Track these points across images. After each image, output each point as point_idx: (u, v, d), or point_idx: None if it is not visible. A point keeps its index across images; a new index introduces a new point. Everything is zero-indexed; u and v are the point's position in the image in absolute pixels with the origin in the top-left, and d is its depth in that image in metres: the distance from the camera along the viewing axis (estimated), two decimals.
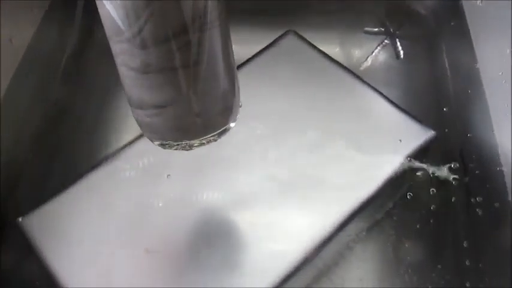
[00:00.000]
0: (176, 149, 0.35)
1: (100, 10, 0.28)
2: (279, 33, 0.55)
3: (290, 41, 0.54)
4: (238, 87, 0.35)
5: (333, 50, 0.58)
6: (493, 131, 0.45)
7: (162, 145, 0.35)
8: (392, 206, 0.49)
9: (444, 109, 0.53)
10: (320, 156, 0.46)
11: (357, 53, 0.60)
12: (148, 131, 0.34)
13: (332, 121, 0.49)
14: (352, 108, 0.50)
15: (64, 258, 0.41)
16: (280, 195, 0.44)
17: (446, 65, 0.55)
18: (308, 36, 0.54)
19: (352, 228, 0.45)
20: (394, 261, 0.46)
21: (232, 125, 0.35)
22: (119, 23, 0.27)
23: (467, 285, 0.43)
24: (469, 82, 0.50)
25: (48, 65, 0.56)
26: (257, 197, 0.44)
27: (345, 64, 0.53)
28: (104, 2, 0.27)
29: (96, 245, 0.42)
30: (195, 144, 0.35)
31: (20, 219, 0.43)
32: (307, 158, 0.46)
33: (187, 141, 0.34)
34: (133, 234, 0.42)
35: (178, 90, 0.30)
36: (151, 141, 0.35)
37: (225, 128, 0.35)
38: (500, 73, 0.45)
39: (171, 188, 0.44)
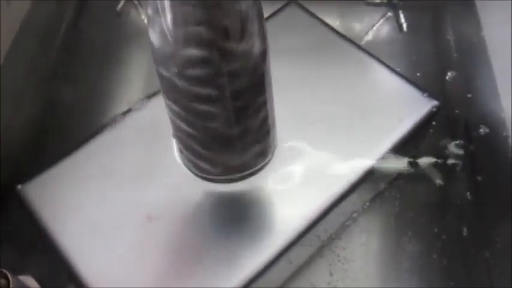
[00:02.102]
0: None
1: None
2: (281, 3, 0.54)
3: (292, 11, 0.53)
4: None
5: (334, 22, 0.57)
6: (499, 97, 0.44)
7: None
8: (396, 176, 0.48)
9: (448, 79, 0.52)
10: (323, 126, 0.46)
11: (358, 25, 0.59)
12: (195, 170, 0.37)
13: (335, 91, 0.48)
14: (355, 78, 0.49)
15: (64, 225, 0.40)
16: (281, 164, 0.44)
17: (451, 35, 0.55)
18: (309, 7, 0.54)
19: (355, 199, 0.45)
20: (398, 232, 0.46)
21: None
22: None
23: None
24: (474, 51, 0.50)
25: (46, 32, 0.55)
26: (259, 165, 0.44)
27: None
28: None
29: (97, 212, 0.41)
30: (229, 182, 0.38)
31: (20, 186, 0.42)
32: (309, 128, 0.46)
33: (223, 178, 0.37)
34: (135, 201, 0.42)
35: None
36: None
37: (264, 163, 0.38)
38: (507, 39, 0.45)
39: (173, 154, 0.44)
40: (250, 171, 0.37)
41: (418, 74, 0.52)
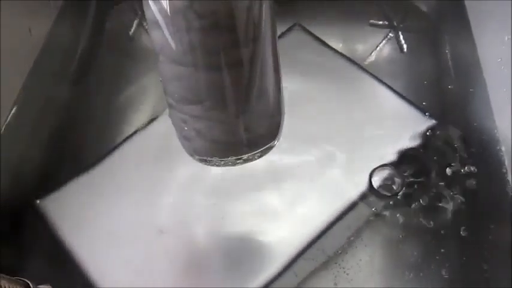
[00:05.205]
0: (217, 166, 0.35)
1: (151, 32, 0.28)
2: (286, 26, 0.56)
3: (297, 34, 0.56)
4: (284, 105, 0.34)
5: (338, 44, 0.59)
6: (493, 116, 0.46)
7: (205, 161, 0.34)
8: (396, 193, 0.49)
9: (446, 98, 0.54)
10: (325, 144, 0.48)
11: (361, 47, 0.61)
12: (193, 147, 0.34)
13: (336, 111, 0.50)
14: (357, 99, 0.51)
15: (81, 238, 0.43)
16: (286, 180, 0.46)
17: (448, 56, 0.57)
18: (313, 30, 0.56)
19: (357, 214, 0.46)
20: (401, 246, 0.47)
21: (276, 142, 0.35)
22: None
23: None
24: (470, 71, 0.51)
25: (63, 57, 0.58)
26: (263, 184, 0.46)
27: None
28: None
29: (112, 226, 0.43)
30: (238, 162, 0.34)
31: (38, 201, 0.44)
32: (311, 146, 0.48)
33: (231, 158, 0.33)
34: (148, 216, 0.44)
35: (227, 106, 0.30)
36: (192, 156, 0.34)
37: (269, 145, 0.34)
38: (499, 59, 0.46)
39: (185, 170, 0.46)
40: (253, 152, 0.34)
41: (417, 94, 0.53)
